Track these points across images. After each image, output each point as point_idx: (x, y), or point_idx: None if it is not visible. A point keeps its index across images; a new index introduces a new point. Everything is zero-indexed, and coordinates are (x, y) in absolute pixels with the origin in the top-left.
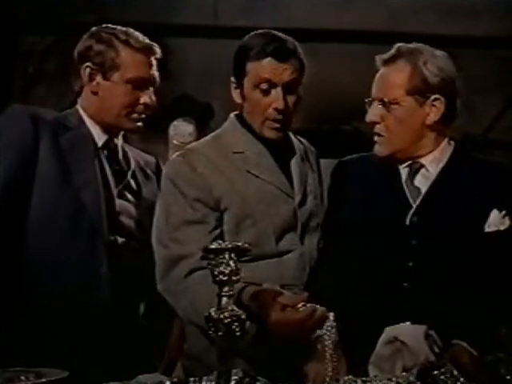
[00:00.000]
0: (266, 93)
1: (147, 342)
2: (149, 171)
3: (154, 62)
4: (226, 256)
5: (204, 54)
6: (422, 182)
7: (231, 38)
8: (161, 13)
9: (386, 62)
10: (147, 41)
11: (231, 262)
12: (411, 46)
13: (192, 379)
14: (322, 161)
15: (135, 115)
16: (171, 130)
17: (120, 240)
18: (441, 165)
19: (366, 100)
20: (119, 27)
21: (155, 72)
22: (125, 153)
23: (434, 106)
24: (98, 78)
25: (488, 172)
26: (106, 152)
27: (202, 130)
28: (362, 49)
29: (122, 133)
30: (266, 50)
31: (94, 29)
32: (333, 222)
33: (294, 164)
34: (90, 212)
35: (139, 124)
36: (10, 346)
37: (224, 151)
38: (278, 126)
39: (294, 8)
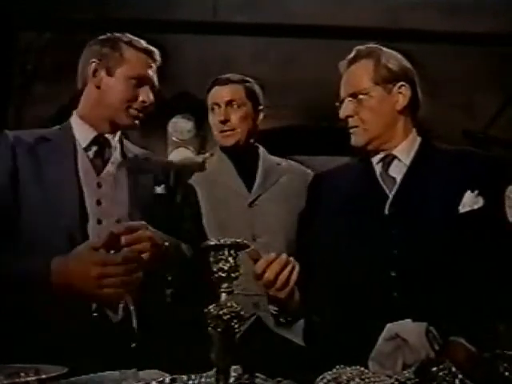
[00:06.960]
0: (214, 112)
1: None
2: (146, 167)
3: (154, 66)
4: (225, 252)
5: (203, 51)
6: (397, 171)
7: (230, 35)
8: (159, 9)
9: (350, 63)
10: (149, 46)
11: (230, 259)
12: (369, 46)
13: (192, 376)
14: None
15: (133, 111)
16: (170, 127)
17: (107, 223)
18: (412, 153)
19: (337, 104)
20: (123, 35)
21: (154, 75)
22: (120, 147)
23: (400, 92)
24: (102, 74)
25: (458, 157)
26: (93, 148)
27: (200, 127)
28: (360, 45)
29: (118, 133)
30: (212, 82)
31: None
32: (315, 226)
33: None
34: (66, 204)
35: (136, 122)
36: (10, 342)
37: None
38: (227, 134)
39: (292, 4)
